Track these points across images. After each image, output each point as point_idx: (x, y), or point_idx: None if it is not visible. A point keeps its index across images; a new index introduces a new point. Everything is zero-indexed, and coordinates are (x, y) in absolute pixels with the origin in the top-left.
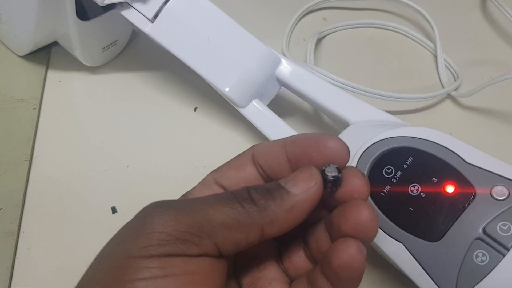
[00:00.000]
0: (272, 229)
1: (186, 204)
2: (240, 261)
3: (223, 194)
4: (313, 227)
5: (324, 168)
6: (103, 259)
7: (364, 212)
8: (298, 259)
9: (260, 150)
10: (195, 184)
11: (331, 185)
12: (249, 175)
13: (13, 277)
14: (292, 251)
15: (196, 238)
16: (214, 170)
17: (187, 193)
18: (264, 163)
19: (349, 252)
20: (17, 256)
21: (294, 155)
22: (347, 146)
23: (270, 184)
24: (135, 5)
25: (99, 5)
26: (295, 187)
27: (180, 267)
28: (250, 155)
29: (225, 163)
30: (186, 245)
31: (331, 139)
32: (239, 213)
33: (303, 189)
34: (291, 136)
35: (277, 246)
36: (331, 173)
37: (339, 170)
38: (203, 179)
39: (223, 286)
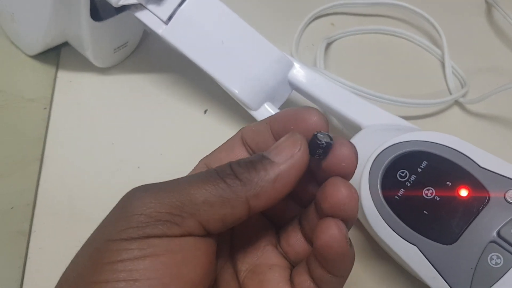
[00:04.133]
0: (258, 202)
1: (166, 185)
2: (236, 248)
3: (205, 172)
4: (307, 207)
5: (316, 133)
6: (85, 245)
7: (341, 190)
8: (297, 242)
9: (248, 130)
10: None
11: (321, 151)
12: (238, 156)
13: (25, 277)
14: (290, 234)
15: (177, 218)
16: (206, 156)
17: None
18: (252, 142)
19: (328, 233)
20: (28, 256)
21: (278, 131)
22: (326, 118)
23: (253, 156)
24: (150, 6)
25: (113, 6)
26: (278, 155)
27: (161, 247)
28: (239, 137)
29: (217, 148)
30: (166, 226)
31: (310, 113)
32: (222, 189)
33: (287, 157)
34: (275, 113)
35: (275, 231)
36: (323, 138)
37: (331, 137)
38: (195, 166)
39: (210, 264)
